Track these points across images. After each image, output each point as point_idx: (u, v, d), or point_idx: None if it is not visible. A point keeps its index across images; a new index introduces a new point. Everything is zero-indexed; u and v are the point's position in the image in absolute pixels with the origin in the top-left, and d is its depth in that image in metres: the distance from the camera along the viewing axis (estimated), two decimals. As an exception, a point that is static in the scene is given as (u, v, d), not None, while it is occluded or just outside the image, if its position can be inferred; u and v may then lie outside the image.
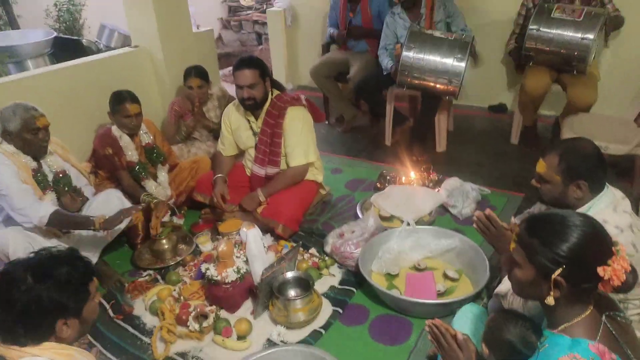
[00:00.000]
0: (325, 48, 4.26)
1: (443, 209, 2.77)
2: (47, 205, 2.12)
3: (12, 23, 5.14)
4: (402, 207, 2.62)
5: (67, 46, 4.86)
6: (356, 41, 3.94)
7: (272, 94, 2.61)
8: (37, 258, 1.17)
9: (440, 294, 2.07)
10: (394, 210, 2.62)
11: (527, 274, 1.13)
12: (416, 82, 3.22)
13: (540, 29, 3.04)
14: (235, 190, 2.72)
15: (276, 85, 2.68)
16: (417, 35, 3.16)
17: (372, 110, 3.99)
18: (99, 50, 4.99)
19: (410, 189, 2.82)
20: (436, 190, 2.85)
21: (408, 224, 2.38)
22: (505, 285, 1.59)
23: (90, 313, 1.23)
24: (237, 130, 2.71)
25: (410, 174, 3.04)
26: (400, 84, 3.29)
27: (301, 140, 2.55)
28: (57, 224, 2.14)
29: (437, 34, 3.18)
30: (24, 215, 2.08)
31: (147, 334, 2.01)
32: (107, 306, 2.16)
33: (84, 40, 5.03)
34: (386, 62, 3.51)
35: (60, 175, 2.33)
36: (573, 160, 1.51)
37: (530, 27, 3.07)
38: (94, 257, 2.32)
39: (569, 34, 2.94)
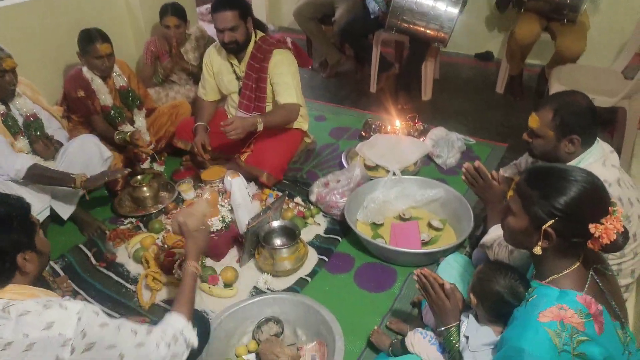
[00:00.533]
0: (311, -13, 4.05)
1: (428, 158, 2.76)
2: (24, 158, 2.02)
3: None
4: (388, 157, 2.60)
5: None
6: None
7: (255, 36, 2.48)
8: None
9: (425, 243, 2.10)
10: (379, 160, 2.60)
11: (520, 223, 1.14)
12: (406, 25, 3.12)
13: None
14: (217, 136, 2.63)
15: (259, 25, 2.55)
16: None
17: (357, 55, 3.88)
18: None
19: (395, 138, 2.79)
20: (421, 139, 2.83)
21: (394, 174, 2.37)
22: (490, 236, 1.61)
23: (42, 245, 1.23)
24: (219, 74, 2.59)
25: (396, 122, 3.00)
26: (389, 27, 3.18)
27: (290, 81, 2.44)
28: (35, 179, 2.04)
29: None
30: None
31: (131, 281, 2.00)
32: (89, 254, 2.13)
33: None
34: (373, 5, 3.36)
35: (31, 119, 2.21)
36: (567, 116, 1.49)
37: (524, -29, 2.97)
38: (72, 204, 2.26)
39: (563, -21, 2.86)
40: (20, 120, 2.19)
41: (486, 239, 1.62)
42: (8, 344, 0.98)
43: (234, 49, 2.43)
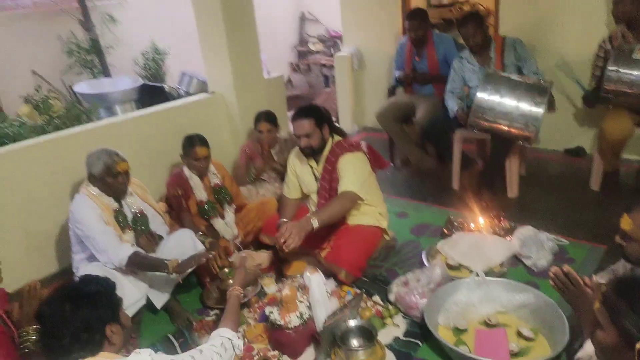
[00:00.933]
0: (391, 91, 4.30)
1: (516, 259, 2.62)
2: (127, 248, 2.28)
3: (105, 71, 5.69)
4: (471, 256, 2.53)
5: (151, 92, 5.28)
6: (421, 86, 3.95)
7: (332, 140, 2.66)
8: (62, 290, 1.34)
9: (514, 355, 1.93)
10: (462, 259, 2.53)
11: (610, 338, 1.06)
12: (488, 124, 3.14)
13: (620, 70, 2.89)
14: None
15: (337, 131, 2.73)
16: (492, 77, 3.11)
17: (438, 153, 3.94)
18: (179, 96, 5.37)
19: (479, 237, 2.72)
20: (508, 239, 2.72)
21: (477, 275, 2.28)
22: (585, 351, 1.47)
23: (125, 319, 1.40)
24: (301, 175, 2.77)
25: (479, 220, 2.93)
26: (471, 126, 3.22)
27: (351, 172, 2.51)
28: (135, 265, 2.28)
29: (514, 77, 3.11)
30: (106, 257, 2.24)
31: (211, 375, 2.05)
32: (176, 344, 2.23)
33: (166, 86, 5.45)
34: (452, 105, 3.47)
35: (139, 215, 2.50)
36: None
37: (609, 68, 2.93)
38: (166, 295, 2.43)
39: (653, 76, 2.78)
40: (130, 216, 2.48)
41: (580, 354, 1.48)
42: None
43: (309, 153, 2.62)
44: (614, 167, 3.21)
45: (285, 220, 2.72)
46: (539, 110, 2.98)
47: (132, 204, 2.51)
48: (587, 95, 3.32)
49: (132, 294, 2.29)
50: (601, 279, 1.84)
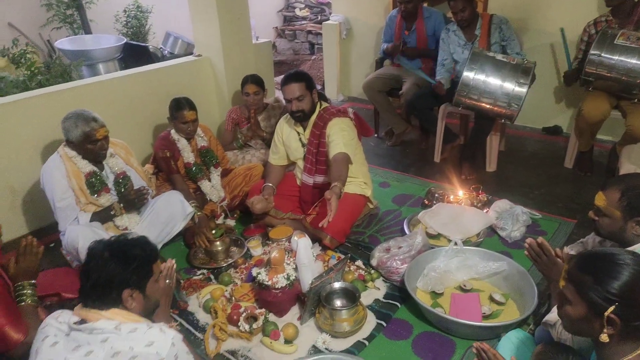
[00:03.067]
0: (379, 63, 4.32)
1: (491, 230, 2.76)
2: (74, 224, 2.35)
3: (85, 27, 5.50)
4: (450, 226, 2.64)
5: (135, 51, 5.16)
6: (410, 60, 3.98)
7: (320, 106, 2.70)
8: (116, 240, 1.40)
9: (486, 317, 2.08)
10: (441, 229, 2.65)
11: (578, 311, 1.15)
12: (473, 102, 3.23)
13: (602, 54, 3.00)
14: (285, 198, 2.83)
15: (323, 97, 2.79)
16: (478, 56, 3.18)
17: (422, 126, 4.02)
18: (163, 57, 5.27)
19: (458, 208, 2.84)
20: (485, 211, 2.85)
21: (455, 244, 2.40)
22: (554, 314, 1.59)
23: (154, 292, 1.43)
24: (288, 141, 2.81)
25: (459, 192, 3.05)
26: (456, 104, 3.31)
27: (340, 136, 2.54)
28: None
29: (499, 56, 3.18)
30: (60, 225, 2.38)
31: (200, 330, 2.14)
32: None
33: (150, 47, 5.32)
34: (437, 76, 3.54)
35: (121, 177, 2.51)
36: (635, 198, 1.51)
37: (592, 52, 3.04)
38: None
39: (633, 61, 2.90)
40: (111, 178, 2.49)
41: (549, 317, 1.60)
42: (117, 353, 1.20)
43: (300, 117, 2.66)
44: (589, 146, 3.36)
45: (269, 184, 2.77)
46: (522, 90, 3.07)
47: (114, 165, 2.51)
48: (567, 74, 3.43)
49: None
50: (571, 250, 1.98)
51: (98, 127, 2.32)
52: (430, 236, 2.64)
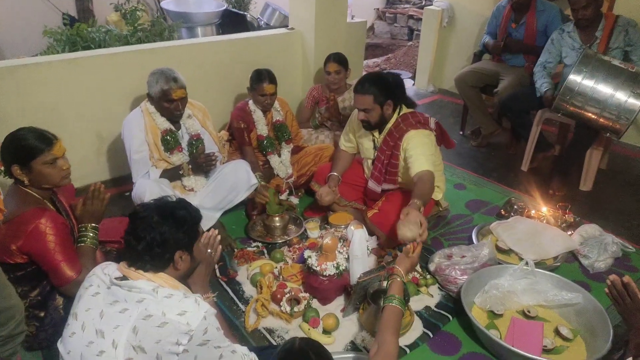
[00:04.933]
0: (477, 56, 4.03)
1: (572, 256, 2.48)
2: (144, 179, 2.42)
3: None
4: (525, 244, 2.41)
5: (233, 19, 5.28)
6: (512, 55, 3.65)
7: (399, 112, 2.49)
8: (160, 203, 1.41)
9: (546, 350, 1.86)
10: (514, 245, 2.42)
11: None
12: (576, 110, 2.89)
13: None
14: (350, 187, 2.73)
15: (408, 102, 2.54)
16: (591, 59, 2.82)
17: (514, 130, 3.70)
18: (259, 27, 5.34)
19: (538, 226, 2.57)
20: (569, 233, 2.55)
21: (527, 264, 2.17)
22: (627, 367, 1.38)
23: (199, 254, 1.48)
24: (361, 137, 2.65)
25: (542, 208, 2.77)
26: (556, 109, 2.98)
27: (420, 151, 2.34)
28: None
29: (616, 62, 2.80)
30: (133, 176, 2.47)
31: (243, 301, 2.14)
32: (216, 266, 2.33)
33: (248, 16, 5.42)
34: (540, 84, 3.19)
35: (195, 138, 2.56)
36: None
37: None
38: (214, 217, 2.53)
39: None
40: (186, 138, 2.55)
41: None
42: (149, 316, 1.21)
43: (366, 127, 2.49)
44: None
45: (335, 174, 2.65)
46: (636, 102, 2.69)
47: (190, 126, 2.57)
48: None
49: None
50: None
51: (176, 88, 2.37)
52: (500, 250, 2.43)
